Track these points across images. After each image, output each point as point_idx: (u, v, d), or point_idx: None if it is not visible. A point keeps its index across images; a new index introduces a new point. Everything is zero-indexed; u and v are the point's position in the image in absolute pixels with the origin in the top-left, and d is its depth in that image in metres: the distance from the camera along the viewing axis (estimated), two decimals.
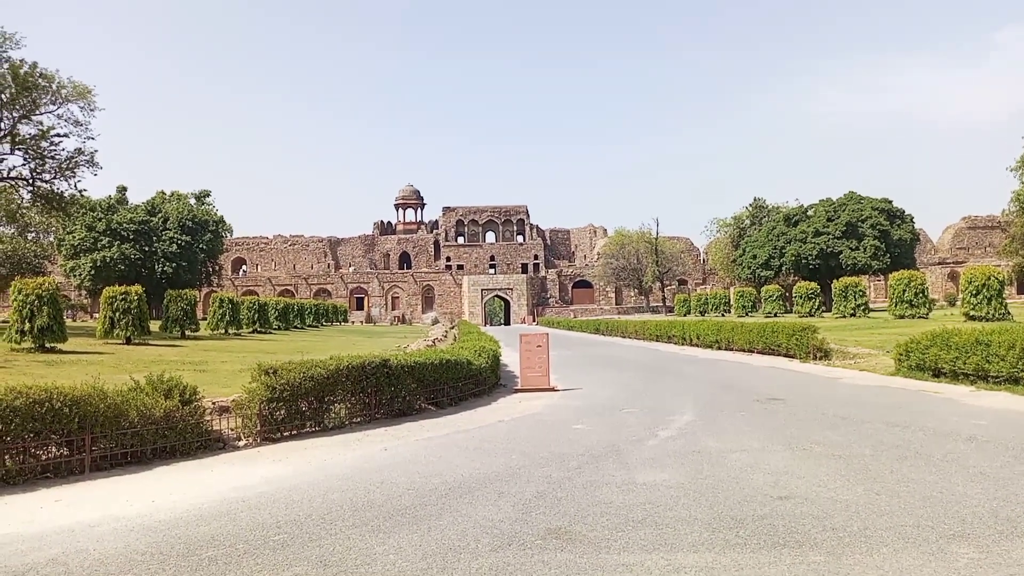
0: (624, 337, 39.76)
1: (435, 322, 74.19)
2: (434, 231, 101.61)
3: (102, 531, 5.44)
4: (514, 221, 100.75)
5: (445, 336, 34.93)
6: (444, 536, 5.13)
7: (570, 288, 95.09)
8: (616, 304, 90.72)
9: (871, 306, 39.70)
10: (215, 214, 59.01)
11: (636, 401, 12.73)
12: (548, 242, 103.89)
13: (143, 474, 7.52)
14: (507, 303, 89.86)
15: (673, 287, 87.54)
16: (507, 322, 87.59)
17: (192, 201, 59.11)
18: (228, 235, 65.37)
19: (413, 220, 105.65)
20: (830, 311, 41.66)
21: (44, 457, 7.41)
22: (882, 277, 62.24)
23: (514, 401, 13.35)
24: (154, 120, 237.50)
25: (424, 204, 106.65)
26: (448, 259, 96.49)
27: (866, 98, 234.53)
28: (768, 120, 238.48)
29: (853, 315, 35.73)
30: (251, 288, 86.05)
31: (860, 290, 37.18)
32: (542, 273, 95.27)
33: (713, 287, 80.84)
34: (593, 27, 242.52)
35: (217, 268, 64.19)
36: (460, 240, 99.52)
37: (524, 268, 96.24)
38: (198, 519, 5.73)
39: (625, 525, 5.29)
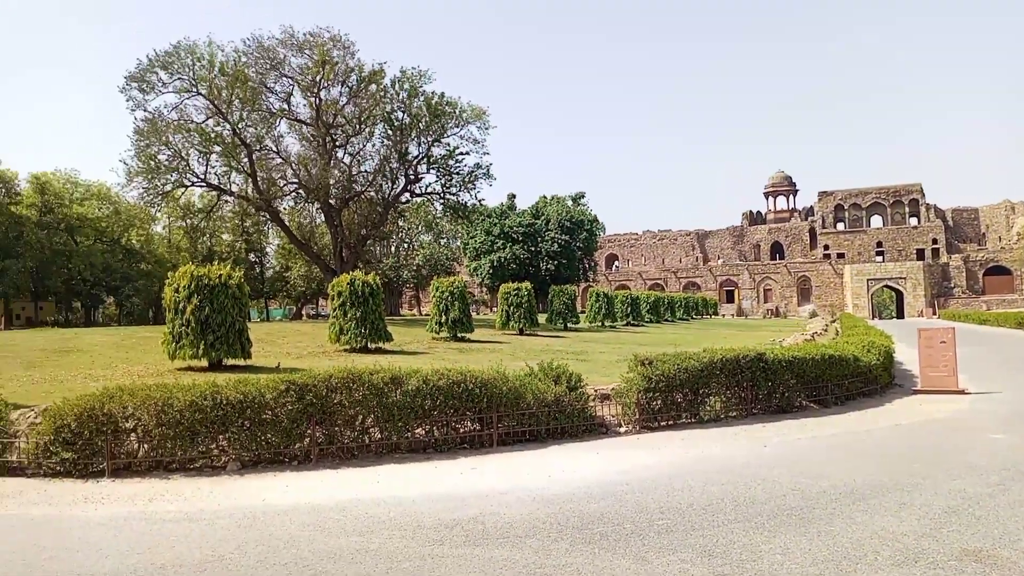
0: None
1: (813, 315, 69.30)
2: (809, 218, 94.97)
3: (509, 499, 6.18)
4: (905, 202, 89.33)
5: (825, 330, 32.44)
6: (836, 543, 4.79)
7: (980, 276, 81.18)
8: None
9: None
10: (589, 214, 63.24)
11: None
12: (949, 224, 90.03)
13: (539, 451, 8.36)
14: (899, 294, 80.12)
15: None
16: (900, 315, 78.17)
17: (569, 203, 64.15)
18: (601, 233, 69.50)
19: (784, 208, 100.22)
20: None
21: (461, 431, 8.68)
22: None
23: (912, 403, 11.89)
24: (535, 130, 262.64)
25: (796, 190, 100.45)
26: (826, 247, 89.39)
27: None
28: None
29: None
30: (623, 283, 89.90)
31: None
32: (943, 259, 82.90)
33: None
34: None
35: (592, 264, 68.63)
36: (839, 226, 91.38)
37: (919, 254, 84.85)
38: (588, 496, 6.19)
39: None
